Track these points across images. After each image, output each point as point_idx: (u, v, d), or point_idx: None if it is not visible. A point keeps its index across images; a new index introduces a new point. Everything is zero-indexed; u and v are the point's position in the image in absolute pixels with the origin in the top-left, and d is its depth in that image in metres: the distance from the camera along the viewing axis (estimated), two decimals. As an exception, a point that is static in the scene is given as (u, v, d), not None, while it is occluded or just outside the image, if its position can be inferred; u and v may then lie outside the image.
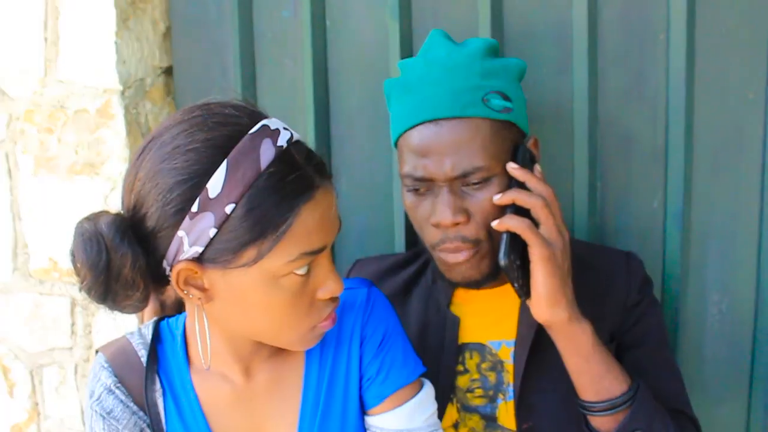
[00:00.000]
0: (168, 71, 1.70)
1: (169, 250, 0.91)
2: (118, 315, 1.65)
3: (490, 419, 1.25)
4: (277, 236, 0.89)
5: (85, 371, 1.76)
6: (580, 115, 1.40)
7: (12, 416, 1.83)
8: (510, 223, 1.10)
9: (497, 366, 1.25)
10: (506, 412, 1.24)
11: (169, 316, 1.13)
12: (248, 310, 0.95)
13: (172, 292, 1.04)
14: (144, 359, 1.06)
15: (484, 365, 1.26)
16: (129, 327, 1.64)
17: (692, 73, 1.35)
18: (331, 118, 1.58)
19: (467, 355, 1.26)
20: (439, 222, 1.14)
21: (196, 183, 0.88)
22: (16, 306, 1.77)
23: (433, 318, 1.29)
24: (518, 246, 1.11)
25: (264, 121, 0.93)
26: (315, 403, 1.06)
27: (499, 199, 1.13)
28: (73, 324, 1.75)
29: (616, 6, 1.38)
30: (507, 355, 1.25)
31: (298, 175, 0.90)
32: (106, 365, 1.06)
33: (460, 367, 1.26)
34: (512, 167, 1.14)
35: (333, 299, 0.99)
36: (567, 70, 1.39)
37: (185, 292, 0.94)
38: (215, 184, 0.88)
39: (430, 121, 1.14)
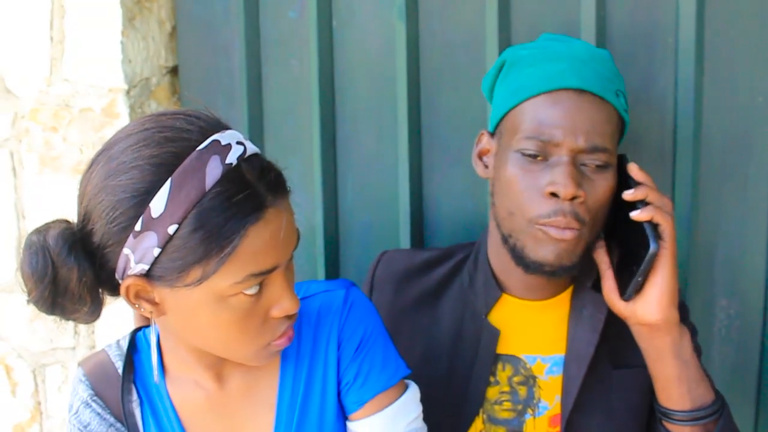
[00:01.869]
0: (174, 71, 1.70)
1: (117, 265, 0.89)
2: (119, 316, 1.66)
3: None
4: (221, 258, 0.86)
5: (87, 371, 1.76)
6: (587, 117, 1.39)
7: (14, 415, 1.83)
8: (656, 213, 1.08)
9: (529, 380, 1.22)
10: (533, 429, 1.21)
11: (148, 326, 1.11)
12: (198, 326, 0.93)
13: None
14: (121, 370, 1.05)
15: (516, 378, 1.22)
16: (131, 327, 1.63)
17: (701, 76, 1.34)
18: (337, 119, 1.57)
19: (500, 366, 1.23)
20: (560, 191, 1.09)
21: (138, 201, 0.86)
22: (20, 305, 1.77)
23: (468, 325, 1.25)
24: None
25: (215, 136, 0.89)
26: (291, 409, 1.05)
27: (632, 194, 1.10)
28: (76, 324, 1.74)
29: (625, 9, 1.37)
30: (541, 371, 1.22)
31: (246, 195, 0.87)
32: (83, 379, 1.06)
33: (491, 378, 1.23)
34: (636, 167, 1.13)
35: (288, 317, 0.96)
36: (575, 72, 1.39)
37: (137, 305, 0.92)
38: (158, 204, 0.85)
39: (573, 89, 1.12)
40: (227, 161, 0.88)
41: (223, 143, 0.89)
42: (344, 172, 1.58)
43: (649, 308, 1.09)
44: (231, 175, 0.87)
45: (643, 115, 1.38)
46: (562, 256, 1.12)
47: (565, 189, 1.09)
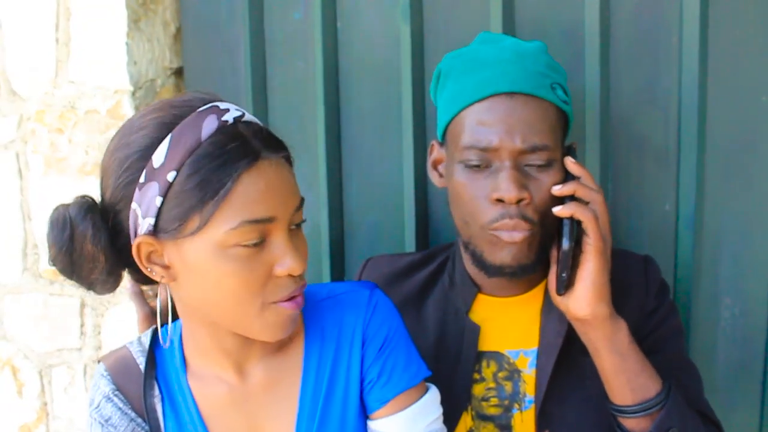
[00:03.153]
0: (179, 72, 1.71)
1: (129, 226, 0.95)
2: (126, 316, 1.66)
3: (505, 429, 1.23)
4: (216, 201, 0.91)
5: (93, 372, 1.76)
6: (592, 116, 1.39)
7: (21, 416, 1.84)
8: (576, 210, 1.09)
9: (514, 375, 1.23)
10: (521, 423, 1.22)
11: (166, 323, 1.12)
12: (204, 285, 0.95)
13: (164, 296, 1.04)
14: (143, 366, 1.07)
15: (500, 374, 1.24)
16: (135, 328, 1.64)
17: (705, 75, 1.34)
18: (342, 119, 1.58)
19: (484, 363, 1.25)
20: (504, 197, 1.12)
21: (142, 155, 0.93)
22: (26, 306, 1.78)
23: (451, 324, 1.27)
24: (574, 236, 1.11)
25: (216, 103, 0.96)
26: (313, 404, 1.06)
27: (559, 189, 1.12)
28: (82, 324, 1.75)
29: (629, 8, 1.37)
30: (524, 364, 1.23)
31: (238, 144, 0.93)
32: (105, 374, 1.08)
33: (477, 376, 1.24)
34: (571, 161, 1.14)
35: (295, 279, 0.98)
36: (579, 72, 1.39)
37: (149, 269, 0.97)
38: (159, 155, 0.92)
39: (504, 93, 1.14)
40: (223, 119, 0.94)
41: (221, 108, 0.95)
42: (349, 171, 1.59)
43: (577, 303, 1.10)
44: (226, 129, 0.94)
45: (648, 115, 1.39)
46: (519, 257, 1.15)
47: (509, 194, 1.11)
